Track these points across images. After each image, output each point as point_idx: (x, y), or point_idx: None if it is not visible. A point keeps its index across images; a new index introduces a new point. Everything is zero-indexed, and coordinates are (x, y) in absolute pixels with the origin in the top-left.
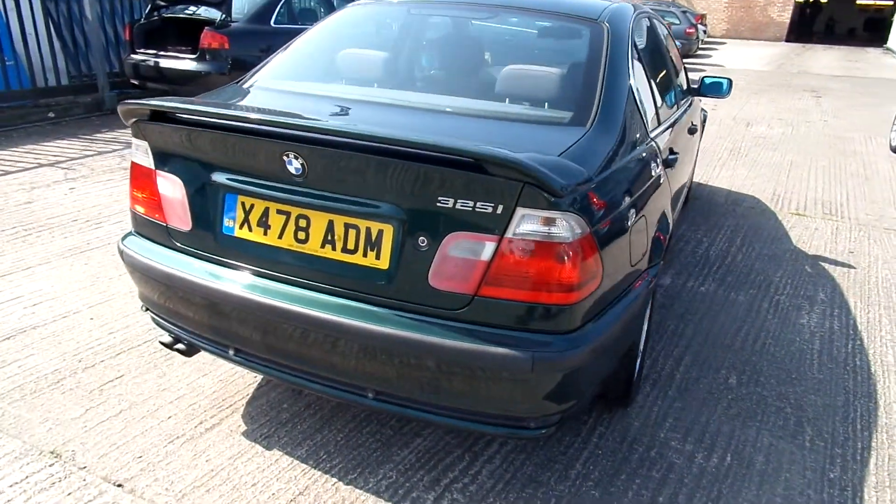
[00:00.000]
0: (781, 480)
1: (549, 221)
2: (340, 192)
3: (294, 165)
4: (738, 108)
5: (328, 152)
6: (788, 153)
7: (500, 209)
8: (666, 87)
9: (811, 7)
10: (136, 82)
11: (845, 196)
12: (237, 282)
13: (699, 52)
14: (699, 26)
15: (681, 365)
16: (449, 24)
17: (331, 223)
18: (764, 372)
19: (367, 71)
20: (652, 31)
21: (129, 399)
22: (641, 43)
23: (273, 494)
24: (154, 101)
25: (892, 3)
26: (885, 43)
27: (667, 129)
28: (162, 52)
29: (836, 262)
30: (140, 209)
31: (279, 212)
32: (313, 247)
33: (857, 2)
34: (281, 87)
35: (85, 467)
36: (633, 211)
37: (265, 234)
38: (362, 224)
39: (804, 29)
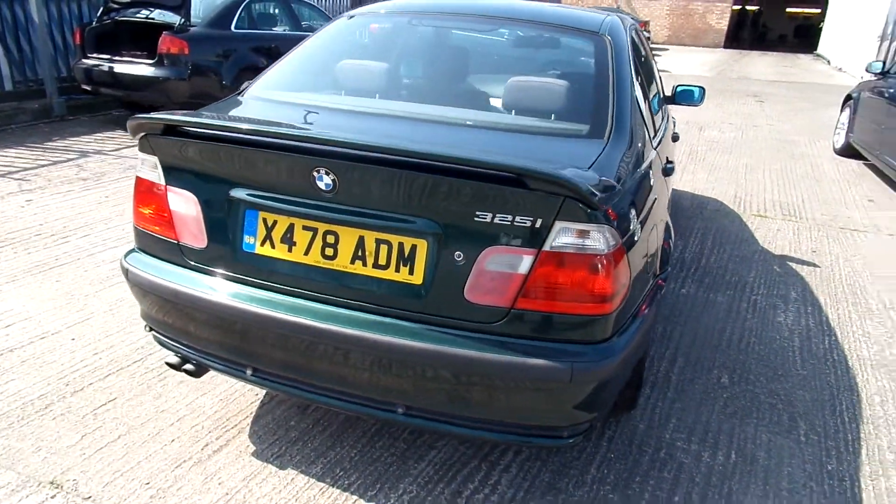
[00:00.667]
0: (784, 475)
1: (584, 234)
2: (372, 207)
3: (325, 181)
4: (690, 113)
5: (362, 168)
6: (742, 156)
7: (538, 223)
8: (654, 96)
9: (745, 15)
10: (88, 88)
11: (800, 198)
12: (259, 300)
13: None
14: (644, 33)
15: (675, 366)
16: (458, 37)
17: (361, 239)
18: (752, 370)
19: (378, 83)
20: (639, 42)
21: (126, 423)
22: (634, 54)
23: None
24: (167, 116)
25: (819, 11)
26: (816, 49)
27: (661, 138)
28: (116, 57)
29: (801, 262)
30: (146, 226)
31: (305, 228)
32: (342, 263)
33: (788, 10)
34: (293, 99)
35: (90, 497)
36: (648, 220)
37: (290, 250)
38: (395, 239)
39: (740, 35)
